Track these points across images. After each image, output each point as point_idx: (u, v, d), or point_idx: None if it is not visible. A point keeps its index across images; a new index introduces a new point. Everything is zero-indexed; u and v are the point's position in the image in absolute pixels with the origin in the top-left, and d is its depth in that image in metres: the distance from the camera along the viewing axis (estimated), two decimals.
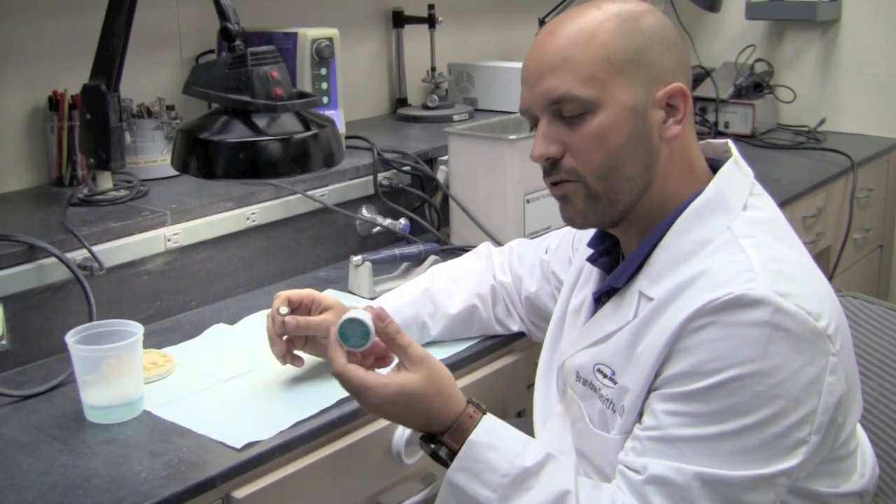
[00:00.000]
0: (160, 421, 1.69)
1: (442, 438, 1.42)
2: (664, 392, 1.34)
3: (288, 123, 1.73)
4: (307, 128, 1.73)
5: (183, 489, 1.49)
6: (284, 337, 1.78)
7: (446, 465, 1.41)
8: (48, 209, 2.18)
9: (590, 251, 1.63)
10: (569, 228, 1.84)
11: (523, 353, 2.06)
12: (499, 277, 1.96)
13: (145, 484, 1.49)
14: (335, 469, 1.67)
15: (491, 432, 1.41)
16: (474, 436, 1.40)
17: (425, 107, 3.24)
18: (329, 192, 2.44)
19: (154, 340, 1.97)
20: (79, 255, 1.96)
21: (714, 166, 1.51)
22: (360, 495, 1.74)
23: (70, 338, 1.68)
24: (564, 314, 1.70)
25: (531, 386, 1.96)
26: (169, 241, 2.12)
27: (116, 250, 2.04)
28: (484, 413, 1.44)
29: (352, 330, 1.46)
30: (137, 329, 1.70)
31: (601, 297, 1.57)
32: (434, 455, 1.44)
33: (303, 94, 1.81)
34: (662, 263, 1.43)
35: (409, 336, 1.71)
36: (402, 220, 2.48)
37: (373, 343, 1.47)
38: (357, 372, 1.44)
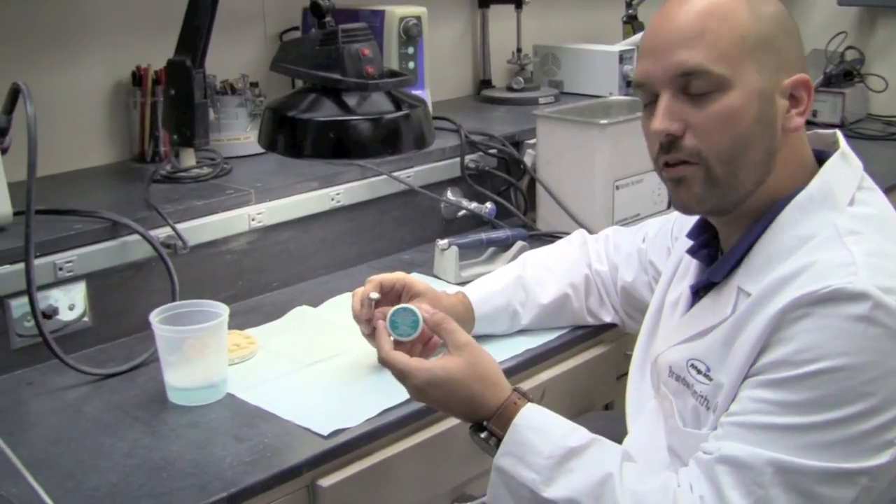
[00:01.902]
0: (244, 404, 1.66)
1: (487, 425, 1.42)
2: (753, 380, 1.30)
3: (379, 103, 1.69)
4: (398, 108, 1.70)
5: (268, 476, 1.46)
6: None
7: (493, 453, 1.41)
8: (130, 185, 2.17)
9: (689, 242, 1.57)
10: (668, 216, 1.80)
11: (612, 343, 2.02)
12: (594, 266, 1.92)
13: (230, 470, 1.47)
14: (422, 459, 1.64)
15: (535, 416, 1.41)
16: (518, 419, 1.40)
17: (510, 88, 3.18)
18: (415, 174, 2.40)
19: (236, 321, 1.93)
20: (162, 232, 1.95)
21: (820, 158, 1.45)
22: (447, 485, 1.71)
23: (154, 317, 1.65)
24: (661, 306, 1.65)
25: (620, 378, 1.98)
26: (253, 220, 2.10)
27: (200, 229, 2.02)
28: (529, 400, 1.45)
29: (402, 319, 1.54)
30: (223, 310, 1.68)
31: (698, 291, 1.51)
32: (482, 443, 1.44)
33: (394, 73, 1.77)
34: (763, 259, 1.38)
35: (500, 325, 1.77)
36: (488, 204, 2.44)
37: (420, 333, 1.55)
38: (401, 357, 1.47)
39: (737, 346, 1.33)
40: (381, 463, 1.59)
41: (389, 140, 1.69)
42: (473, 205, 2.45)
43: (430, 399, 1.46)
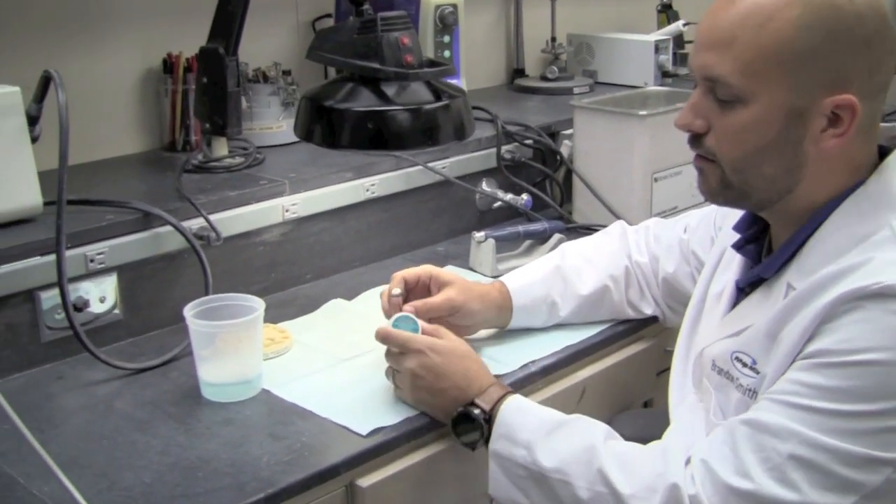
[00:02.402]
0: (279, 401, 1.63)
1: (476, 401, 1.50)
2: (796, 364, 1.28)
3: (418, 93, 1.64)
4: (438, 98, 1.64)
5: (306, 476, 1.42)
6: None
7: (480, 428, 1.49)
8: (161, 175, 2.14)
9: (734, 234, 1.54)
10: (711, 207, 1.76)
11: (653, 339, 1.98)
12: (634, 257, 1.87)
13: (267, 469, 1.43)
14: (462, 458, 1.59)
15: (521, 402, 1.50)
16: (504, 406, 1.48)
17: (544, 78, 3.14)
18: (450, 165, 2.36)
19: (269, 314, 1.86)
20: (195, 224, 1.91)
21: (883, 152, 1.39)
22: (486, 485, 1.63)
23: (189, 311, 1.61)
24: (704, 298, 1.61)
25: (661, 373, 1.95)
26: (287, 211, 2.06)
27: (233, 220, 1.98)
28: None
29: (404, 325, 1.60)
30: (258, 304, 1.64)
31: (745, 287, 1.48)
32: (465, 419, 1.51)
33: (433, 63, 1.73)
34: (816, 256, 1.35)
35: (538, 316, 1.77)
36: (525, 196, 2.40)
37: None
38: (403, 332, 1.57)
39: (782, 337, 1.32)
40: (420, 463, 1.56)
41: (429, 131, 1.63)
42: (509, 196, 2.41)
43: (428, 366, 1.53)
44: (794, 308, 1.31)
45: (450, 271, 1.79)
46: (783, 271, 1.39)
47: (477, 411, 1.50)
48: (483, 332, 1.83)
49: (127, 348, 1.83)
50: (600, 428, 1.45)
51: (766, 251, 1.49)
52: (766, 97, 1.31)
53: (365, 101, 1.61)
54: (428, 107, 1.62)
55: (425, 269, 1.75)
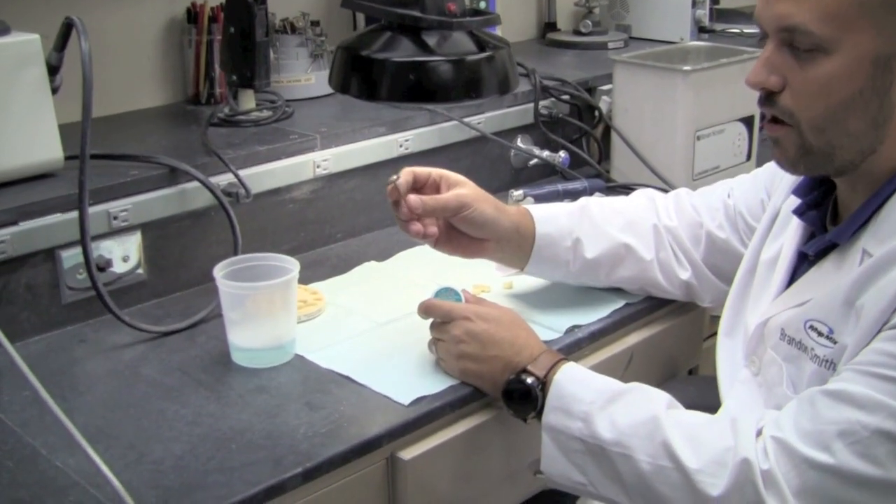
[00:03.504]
0: (315, 368, 1.55)
1: (529, 368, 1.42)
2: (883, 334, 1.20)
3: (461, 43, 1.56)
4: (482, 49, 1.56)
5: (346, 449, 1.35)
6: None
7: (534, 398, 1.41)
8: (186, 129, 2.07)
9: (789, 200, 1.47)
10: (758, 171, 1.69)
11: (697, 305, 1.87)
12: (664, 221, 1.76)
13: (305, 441, 1.35)
14: (507, 429, 1.53)
15: (575, 371, 1.42)
16: (559, 376, 1.40)
17: (577, 32, 3.03)
18: (486, 120, 2.28)
19: (300, 275, 1.79)
20: (222, 180, 1.84)
21: None
22: (531, 455, 1.55)
23: (219, 272, 1.54)
24: (755, 265, 1.53)
25: (707, 339, 1.89)
26: (318, 167, 1.99)
27: (262, 176, 1.91)
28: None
29: (446, 296, 1.56)
30: (293, 265, 1.56)
31: (810, 254, 1.40)
32: (517, 389, 1.43)
33: (476, 12, 1.64)
34: (894, 222, 1.26)
35: (561, 253, 1.70)
36: (562, 153, 2.32)
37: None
38: (446, 301, 1.54)
39: (862, 305, 1.23)
40: (464, 434, 1.48)
41: (472, 83, 1.55)
42: (546, 153, 2.34)
43: (474, 333, 1.47)
44: (872, 275, 1.23)
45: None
46: (857, 237, 1.30)
47: (530, 380, 1.41)
48: (523, 290, 1.78)
49: (151, 310, 1.76)
50: (662, 397, 1.36)
51: (830, 217, 1.41)
52: (851, 46, 1.21)
53: (405, 52, 1.53)
54: (471, 58, 1.54)
55: (435, 170, 1.64)
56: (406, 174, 1.59)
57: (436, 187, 1.62)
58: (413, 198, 1.56)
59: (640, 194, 1.83)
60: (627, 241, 1.73)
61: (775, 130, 1.31)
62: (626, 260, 1.74)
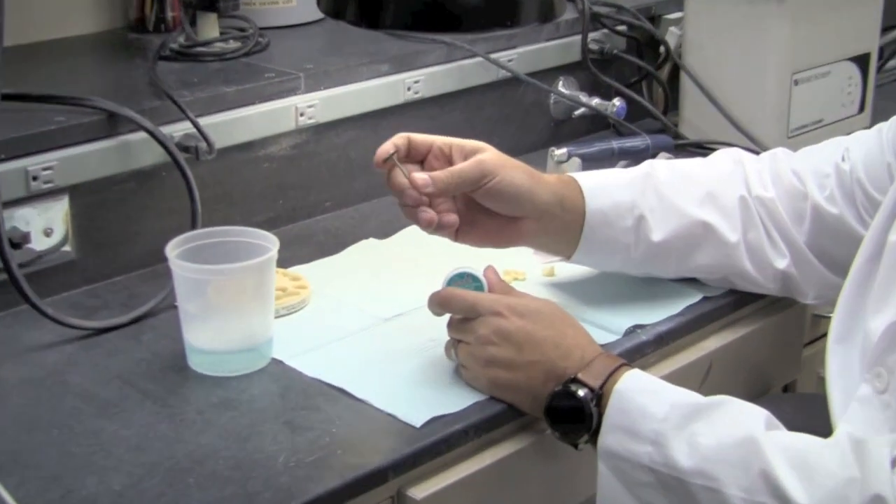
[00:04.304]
0: (298, 377, 1.54)
1: (578, 376, 1.41)
2: None
3: None
4: None
5: (340, 484, 1.32)
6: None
7: (587, 415, 1.39)
8: (128, 63, 2.07)
9: None
10: (883, 126, 1.68)
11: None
12: (755, 191, 1.74)
13: (285, 473, 1.33)
14: (552, 459, 1.52)
15: (643, 379, 1.42)
16: (621, 385, 1.39)
17: None
18: (518, 57, 2.29)
19: (278, 255, 1.79)
20: (177, 130, 1.83)
21: None
22: (581, 494, 1.60)
23: (172, 251, 1.53)
24: (879, 250, 1.51)
25: (807, 346, 1.95)
26: (302, 115, 1.99)
27: (229, 126, 1.90)
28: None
29: (463, 284, 1.54)
30: (270, 242, 1.56)
31: None
32: (564, 403, 1.42)
33: None
34: None
35: (619, 235, 1.68)
36: (617, 101, 2.32)
37: None
38: (468, 292, 1.51)
39: None
40: (493, 466, 1.47)
41: (506, 6, 1.52)
42: (595, 101, 2.34)
43: (508, 332, 1.45)
44: None
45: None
46: None
47: (582, 391, 1.40)
48: (568, 278, 1.78)
49: (82, 299, 1.77)
50: (758, 414, 1.35)
51: None
52: None
53: None
54: None
55: (442, 137, 1.63)
56: (400, 139, 1.58)
57: (445, 159, 1.60)
58: (419, 175, 1.54)
59: (722, 156, 1.81)
60: (707, 218, 1.70)
61: None
62: (705, 243, 1.72)
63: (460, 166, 1.56)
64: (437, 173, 1.54)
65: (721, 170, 1.77)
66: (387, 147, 1.55)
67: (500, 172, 1.57)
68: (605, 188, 1.67)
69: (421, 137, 1.59)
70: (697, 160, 1.82)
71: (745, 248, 1.73)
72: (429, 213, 1.54)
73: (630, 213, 1.67)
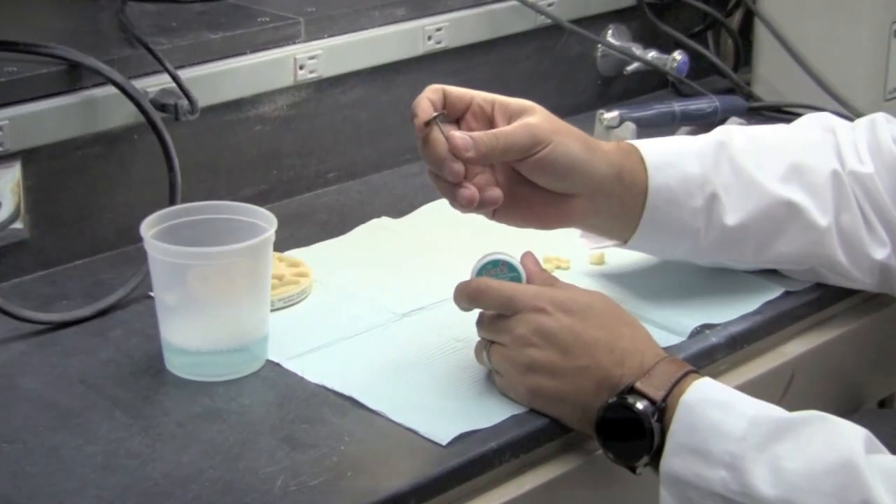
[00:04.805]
0: (298, 383, 1.53)
1: (636, 386, 1.40)
2: None
3: None
4: None
5: None
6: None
7: (642, 427, 1.38)
8: (93, 5, 2.07)
9: None
10: None
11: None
12: (850, 165, 1.72)
13: (285, 498, 1.31)
14: (605, 484, 1.51)
15: (716, 390, 1.40)
16: (688, 396, 1.37)
17: None
18: (558, 2, 2.29)
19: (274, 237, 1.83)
20: (152, 84, 1.83)
21: None
22: None
23: (148, 230, 1.52)
24: None
25: None
26: (302, 68, 1.99)
27: (215, 80, 1.91)
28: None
29: (498, 274, 1.53)
30: (266, 221, 1.55)
31: None
32: (620, 417, 1.40)
33: None
34: None
35: (687, 215, 1.66)
36: (678, 54, 2.32)
37: None
38: (504, 283, 1.50)
39: None
40: (535, 492, 1.45)
41: None
42: (652, 54, 2.35)
43: (552, 333, 1.44)
44: None
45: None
46: None
47: (641, 404, 1.38)
48: (621, 267, 1.78)
49: (38, 287, 1.77)
50: (856, 433, 1.33)
51: None
52: None
53: None
54: None
55: (482, 93, 1.60)
56: (433, 93, 1.54)
57: (486, 120, 1.58)
58: (458, 134, 1.50)
59: (809, 122, 1.80)
60: (792, 196, 1.68)
61: None
62: (789, 227, 1.70)
63: (507, 129, 1.53)
64: (480, 135, 1.50)
65: (808, 139, 1.75)
66: (427, 105, 1.50)
67: (554, 140, 1.54)
68: (672, 160, 1.65)
69: (459, 91, 1.56)
70: (778, 126, 1.81)
71: (837, 233, 1.71)
72: (470, 190, 1.50)
73: (700, 191, 1.66)
